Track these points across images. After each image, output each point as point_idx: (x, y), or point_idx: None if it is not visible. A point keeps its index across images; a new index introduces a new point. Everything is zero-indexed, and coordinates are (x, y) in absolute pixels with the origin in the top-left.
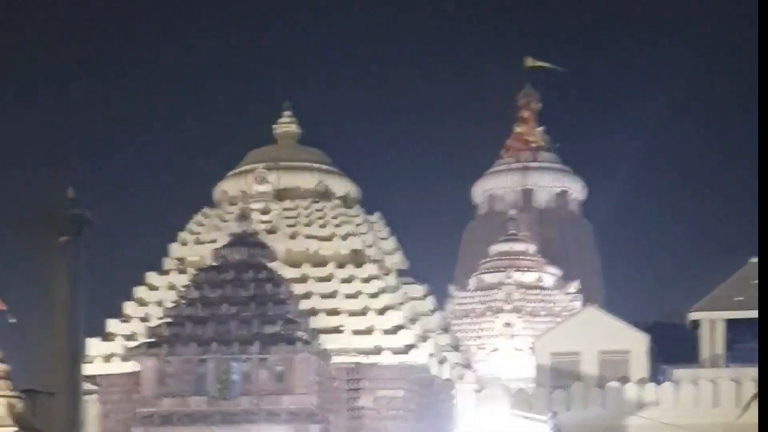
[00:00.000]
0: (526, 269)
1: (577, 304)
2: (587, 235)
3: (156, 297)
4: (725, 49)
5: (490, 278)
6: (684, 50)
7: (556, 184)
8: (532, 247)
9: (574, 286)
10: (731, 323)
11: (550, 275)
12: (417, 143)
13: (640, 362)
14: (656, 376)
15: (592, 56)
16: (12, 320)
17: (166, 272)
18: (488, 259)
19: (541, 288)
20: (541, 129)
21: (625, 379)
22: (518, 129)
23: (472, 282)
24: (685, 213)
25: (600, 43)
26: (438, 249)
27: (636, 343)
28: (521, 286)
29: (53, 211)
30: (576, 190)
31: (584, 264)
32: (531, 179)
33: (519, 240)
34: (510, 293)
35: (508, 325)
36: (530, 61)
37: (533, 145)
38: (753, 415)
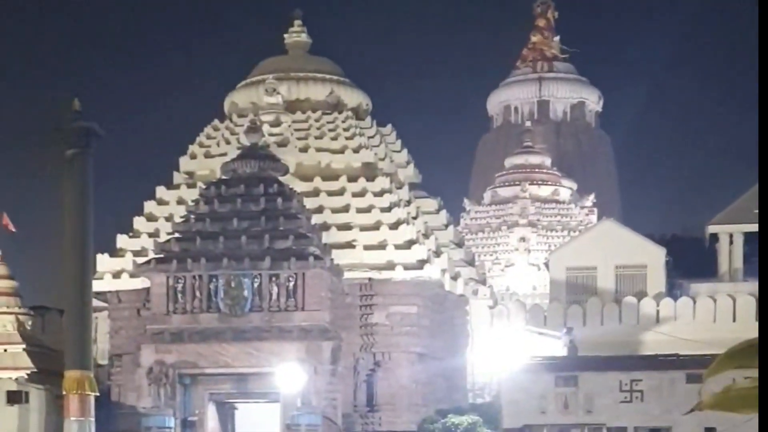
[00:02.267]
0: (541, 182)
1: (593, 218)
2: (604, 147)
3: (166, 212)
4: None
5: (505, 192)
6: None
7: (572, 95)
8: (547, 160)
9: (590, 200)
10: (750, 236)
11: (566, 188)
12: (431, 53)
13: (657, 277)
14: (673, 290)
15: None
16: (11, 227)
17: (176, 186)
18: (503, 173)
19: (557, 201)
20: (557, 39)
21: (641, 294)
22: (534, 39)
23: (487, 196)
24: (705, 123)
25: None
26: (452, 162)
27: (653, 257)
28: (537, 199)
29: (60, 124)
30: (593, 101)
31: (601, 176)
32: (547, 90)
33: (535, 152)
34: (525, 207)
35: (523, 239)
36: None
37: (549, 55)
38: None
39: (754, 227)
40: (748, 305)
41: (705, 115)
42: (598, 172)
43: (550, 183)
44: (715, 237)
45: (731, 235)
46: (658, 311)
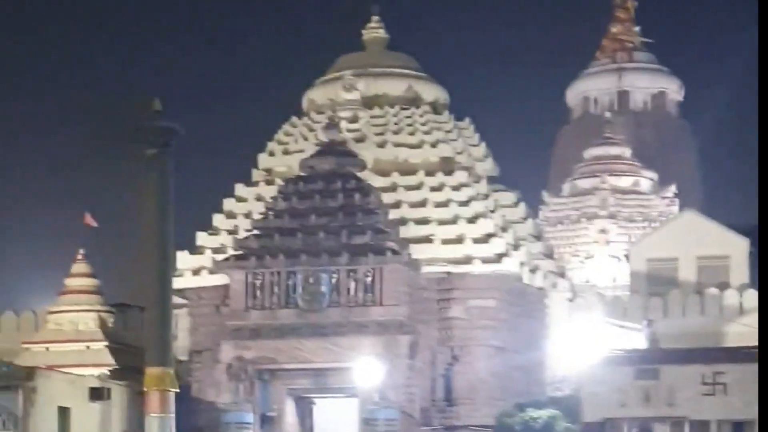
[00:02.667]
0: (621, 173)
1: (675, 208)
2: (685, 137)
3: (244, 209)
4: None
5: (584, 183)
6: None
7: (653, 85)
8: (627, 151)
9: (671, 190)
10: None
11: (646, 179)
12: (509, 46)
13: (740, 267)
14: (757, 281)
15: None
16: (94, 225)
17: (254, 184)
18: (582, 164)
19: (638, 193)
20: (637, 29)
21: (724, 285)
22: (614, 29)
23: (566, 188)
24: None
25: None
26: (531, 154)
27: (736, 248)
28: (617, 191)
29: (140, 124)
30: (674, 90)
31: (682, 166)
32: (627, 80)
33: (614, 143)
34: (605, 199)
35: (603, 231)
36: None
37: (629, 45)
38: None
39: None
40: None
41: None
42: (679, 163)
43: (630, 174)
44: None
45: None
46: (741, 303)
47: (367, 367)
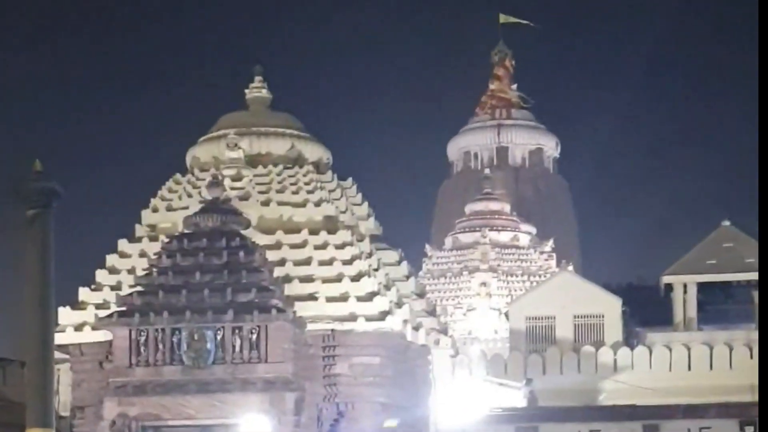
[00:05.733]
0: (501, 228)
1: (552, 263)
2: (563, 192)
3: (128, 264)
4: (704, 11)
5: (465, 238)
6: (662, 9)
7: (530, 141)
8: (507, 207)
9: (549, 245)
10: (703, 286)
11: (525, 234)
12: (391, 104)
13: (614, 326)
14: (630, 339)
15: (566, 12)
16: None
17: (138, 239)
18: (464, 219)
19: (517, 247)
20: (515, 86)
21: (599, 343)
22: (493, 86)
23: (448, 241)
24: (659, 175)
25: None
26: (414, 208)
27: (610, 308)
28: (497, 245)
29: (20, 185)
30: (551, 147)
31: (559, 221)
32: (505, 136)
33: (494, 199)
34: (486, 253)
35: (484, 284)
36: (504, 18)
37: (508, 102)
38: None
39: (708, 277)
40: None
41: (659, 167)
42: (556, 217)
43: (509, 229)
44: (669, 287)
45: (685, 285)
46: (615, 360)
47: (253, 424)
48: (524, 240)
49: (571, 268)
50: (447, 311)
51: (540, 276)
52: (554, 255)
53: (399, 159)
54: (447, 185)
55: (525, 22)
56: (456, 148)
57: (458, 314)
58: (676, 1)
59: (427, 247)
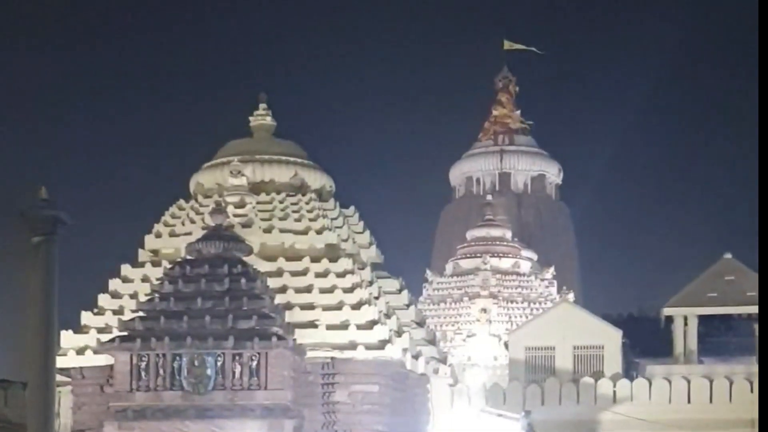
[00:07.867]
0: (502, 255)
1: (553, 290)
2: (564, 219)
3: (130, 289)
4: (707, 34)
5: (466, 264)
6: (665, 34)
7: (533, 168)
8: (508, 233)
9: (549, 272)
10: (704, 319)
11: (526, 261)
12: (394, 129)
13: (613, 358)
14: (630, 371)
15: (570, 38)
16: None
17: (140, 264)
18: (465, 245)
19: (518, 274)
20: (518, 112)
21: (599, 375)
22: (496, 112)
23: (449, 267)
24: (660, 207)
25: (578, 25)
26: (415, 234)
27: (609, 339)
28: (498, 272)
29: (26, 212)
30: (553, 173)
31: (560, 248)
32: (508, 162)
33: (496, 225)
34: (486, 279)
35: (484, 311)
36: (508, 44)
37: (511, 128)
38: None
39: (709, 310)
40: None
41: (662, 198)
42: (557, 244)
43: (510, 255)
44: (670, 319)
45: (686, 318)
46: (614, 392)
47: None
48: (525, 267)
49: (571, 296)
50: (447, 337)
51: (540, 303)
52: (555, 282)
53: (402, 184)
54: (448, 210)
55: (530, 48)
56: (458, 173)
57: (458, 340)
58: (680, 29)
59: (428, 272)
